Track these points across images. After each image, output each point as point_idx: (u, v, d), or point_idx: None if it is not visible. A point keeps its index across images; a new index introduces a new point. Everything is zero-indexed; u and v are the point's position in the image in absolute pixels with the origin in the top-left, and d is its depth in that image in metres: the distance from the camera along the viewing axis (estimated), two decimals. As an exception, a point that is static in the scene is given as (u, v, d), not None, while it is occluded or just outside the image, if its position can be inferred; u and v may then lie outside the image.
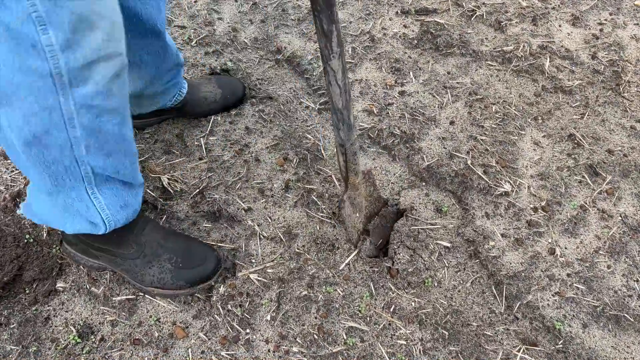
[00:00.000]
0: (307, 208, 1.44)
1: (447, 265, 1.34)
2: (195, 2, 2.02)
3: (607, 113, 1.68)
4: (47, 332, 1.23)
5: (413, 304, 1.27)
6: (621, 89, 1.74)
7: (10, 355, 1.19)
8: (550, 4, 2.03)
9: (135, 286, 1.28)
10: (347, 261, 1.33)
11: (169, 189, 1.46)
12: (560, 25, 1.95)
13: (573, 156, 1.57)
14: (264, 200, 1.46)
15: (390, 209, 1.44)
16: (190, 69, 1.78)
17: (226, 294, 1.28)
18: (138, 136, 1.60)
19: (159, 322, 1.24)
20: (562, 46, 1.87)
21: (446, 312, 1.26)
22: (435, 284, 1.30)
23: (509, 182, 1.50)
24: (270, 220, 1.42)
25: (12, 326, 1.23)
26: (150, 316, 1.25)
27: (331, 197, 1.47)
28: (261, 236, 1.39)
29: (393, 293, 1.29)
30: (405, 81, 1.76)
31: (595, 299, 1.29)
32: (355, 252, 1.34)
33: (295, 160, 1.54)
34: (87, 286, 1.29)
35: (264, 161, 1.55)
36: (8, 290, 1.28)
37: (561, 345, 1.21)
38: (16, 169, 1.49)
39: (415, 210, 1.44)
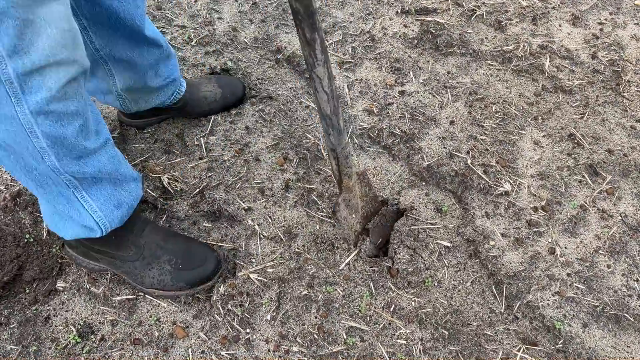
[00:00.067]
0: (307, 208, 1.44)
1: (447, 265, 1.34)
2: (195, 1, 2.02)
3: (607, 113, 1.68)
4: (47, 332, 1.23)
5: (413, 303, 1.27)
6: (621, 88, 1.74)
7: (11, 355, 1.19)
8: (550, 4, 2.03)
9: (136, 287, 1.28)
10: (347, 261, 1.33)
11: (169, 188, 1.46)
12: (560, 25, 1.95)
13: (573, 156, 1.57)
14: (264, 199, 1.46)
15: (390, 208, 1.45)
16: (190, 69, 1.78)
17: (226, 293, 1.28)
18: (138, 136, 1.60)
19: (159, 321, 1.24)
20: (562, 46, 1.87)
21: (446, 312, 1.26)
22: (436, 284, 1.30)
23: (509, 181, 1.50)
24: (270, 220, 1.42)
25: (12, 326, 1.23)
26: (151, 316, 1.25)
27: (331, 196, 1.47)
28: (261, 236, 1.39)
29: (393, 293, 1.29)
30: (405, 81, 1.76)
31: (595, 298, 1.29)
32: (355, 251, 1.34)
33: (295, 160, 1.54)
34: (87, 286, 1.29)
35: (264, 161, 1.55)
36: (8, 290, 1.28)
37: (561, 345, 1.21)
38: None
39: (416, 210, 1.44)
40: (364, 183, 1.34)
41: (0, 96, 0.82)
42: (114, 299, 1.27)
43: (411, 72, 1.79)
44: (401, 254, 1.33)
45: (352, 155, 1.21)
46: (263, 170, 1.52)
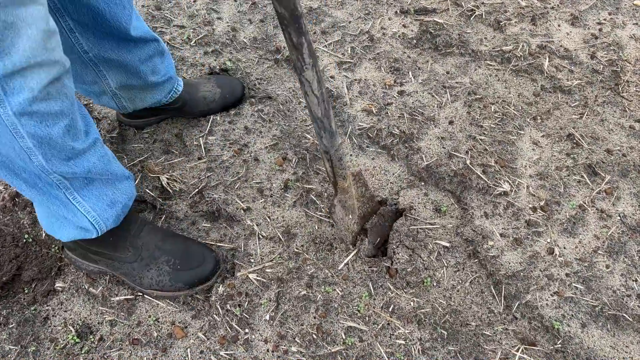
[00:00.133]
0: (306, 208, 1.44)
1: (446, 265, 1.34)
2: (194, 1, 2.02)
3: (606, 113, 1.68)
4: (46, 332, 1.23)
5: (412, 303, 1.27)
6: (620, 88, 1.74)
7: (9, 355, 1.19)
8: (550, 4, 2.03)
9: (135, 288, 1.28)
10: (346, 261, 1.33)
11: (168, 188, 1.46)
12: (559, 25, 1.95)
13: (572, 156, 1.57)
14: (263, 200, 1.46)
15: (389, 208, 1.45)
16: (189, 69, 1.78)
17: (225, 293, 1.28)
18: (137, 136, 1.60)
19: (158, 322, 1.24)
20: (561, 46, 1.87)
21: (445, 312, 1.26)
22: (434, 284, 1.30)
23: (507, 181, 1.50)
24: (269, 220, 1.42)
25: (11, 326, 1.23)
26: (149, 316, 1.25)
27: (330, 196, 1.47)
28: (260, 236, 1.39)
29: (392, 293, 1.29)
30: (404, 81, 1.76)
31: (594, 298, 1.29)
32: (354, 251, 1.34)
33: (294, 160, 1.54)
34: (86, 286, 1.29)
35: (263, 161, 1.55)
36: (7, 290, 1.28)
37: (560, 345, 1.21)
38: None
39: (415, 209, 1.44)
40: (359, 183, 1.34)
41: None
42: (112, 299, 1.27)
43: (410, 72, 1.79)
44: (400, 254, 1.33)
45: (345, 156, 1.21)
46: (262, 171, 1.52)
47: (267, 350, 1.20)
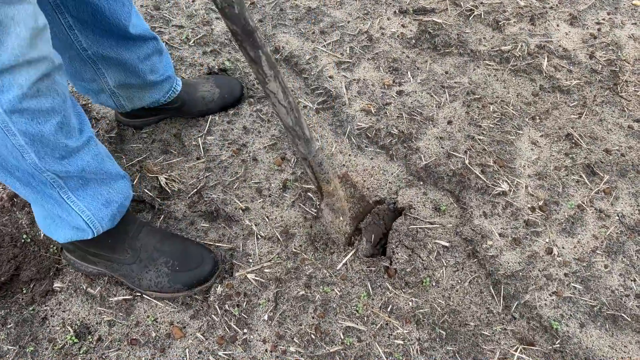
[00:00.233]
0: (305, 208, 1.44)
1: (445, 264, 1.34)
2: (193, 1, 2.02)
3: (604, 112, 1.68)
4: (45, 332, 1.22)
5: (410, 303, 1.27)
6: (619, 88, 1.74)
7: (8, 356, 1.19)
8: (548, 4, 2.03)
9: (134, 290, 1.28)
10: (344, 261, 1.33)
11: (167, 188, 1.46)
12: (558, 25, 1.95)
13: (571, 156, 1.57)
14: (261, 199, 1.46)
15: (387, 207, 1.45)
16: (188, 69, 1.78)
17: (223, 294, 1.28)
18: (136, 136, 1.60)
19: (156, 322, 1.24)
20: (560, 46, 1.87)
21: (443, 312, 1.26)
22: (433, 284, 1.30)
23: (506, 181, 1.50)
24: (267, 220, 1.42)
25: (9, 326, 1.23)
26: (148, 316, 1.25)
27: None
28: (258, 236, 1.39)
29: (390, 293, 1.29)
30: (403, 81, 1.76)
31: (593, 298, 1.29)
32: (352, 251, 1.34)
33: (292, 160, 1.54)
34: (84, 286, 1.29)
35: (262, 161, 1.54)
36: (5, 290, 1.28)
37: (558, 345, 1.21)
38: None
39: (414, 209, 1.44)
40: (347, 185, 1.35)
41: None
42: (111, 299, 1.27)
43: (409, 72, 1.79)
44: (399, 253, 1.33)
45: (325, 161, 1.22)
46: (261, 171, 1.52)
47: (266, 351, 1.20)
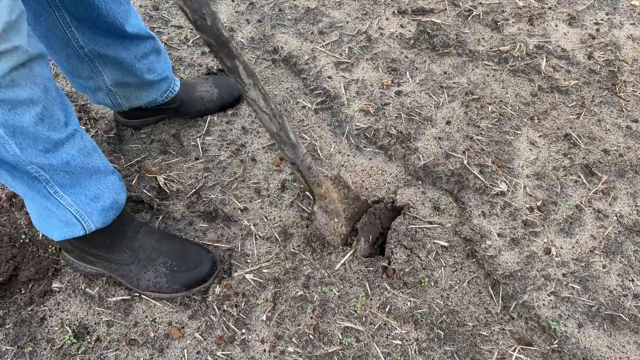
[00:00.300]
0: (303, 208, 1.44)
1: (444, 264, 1.34)
2: (192, 1, 2.02)
3: (603, 113, 1.68)
4: (43, 333, 1.23)
5: (409, 303, 1.27)
6: (617, 88, 1.75)
7: (6, 356, 1.19)
8: (547, 4, 2.03)
9: (132, 290, 1.28)
10: (342, 261, 1.33)
11: (165, 189, 1.46)
12: (556, 25, 1.95)
13: (569, 156, 1.57)
14: (260, 200, 1.46)
15: (385, 206, 1.45)
16: (186, 69, 1.78)
17: (222, 294, 1.28)
18: (134, 136, 1.60)
19: (155, 322, 1.24)
20: (558, 46, 1.87)
21: (442, 312, 1.26)
22: (432, 284, 1.30)
23: (505, 182, 1.50)
24: (266, 220, 1.42)
25: (7, 326, 1.23)
26: (146, 316, 1.25)
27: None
28: (257, 236, 1.39)
29: (389, 293, 1.29)
30: (401, 81, 1.76)
31: (591, 298, 1.29)
32: (351, 252, 1.34)
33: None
34: (83, 287, 1.29)
35: (260, 161, 1.55)
36: (4, 291, 1.28)
37: (556, 345, 1.21)
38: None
39: (413, 208, 1.44)
40: (340, 186, 1.35)
41: None
42: (109, 299, 1.27)
43: (408, 73, 1.79)
44: (398, 253, 1.33)
45: (314, 164, 1.22)
46: (259, 171, 1.52)
47: (264, 351, 1.20)
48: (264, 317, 1.25)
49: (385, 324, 1.24)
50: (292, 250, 1.36)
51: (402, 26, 1.94)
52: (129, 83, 1.37)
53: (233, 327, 1.23)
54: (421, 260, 1.34)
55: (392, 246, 1.35)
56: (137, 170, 1.50)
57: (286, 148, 1.13)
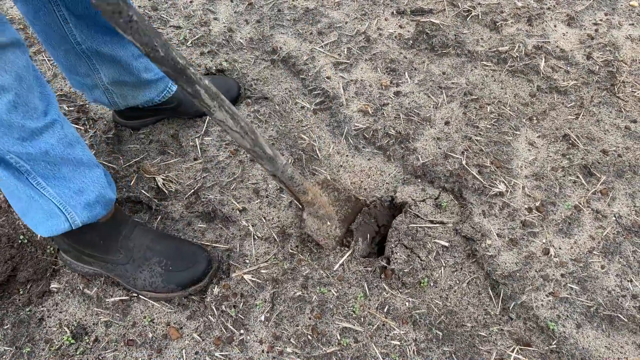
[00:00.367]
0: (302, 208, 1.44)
1: (444, 264, 1.34)
2: (190, 2, 2.02)
3: (601, 113, 1.69)
4: (41, 333, 1.22)
5: (407, 304, 1.27)
6: (616, 89, 1.75)
7: (4, 356, 1.19)
8: (546, 4, 2.03)
9: (130, 290, 1.28)
10: (341, 261, 1.33)
11: (164, 189, 1.46)
12: (555, 26, 1.95)
13: (568, 156, 1.57)
14: (258, 200, 1.46)
15: (381, 203, 1.45)
16: (185, 70, 1.78)
17: (220, 294, 1.28)
18: (133, 136, 1.60)
19: (153, 322, 1.24)
20: (557, 46, 1.87)
21: (441, 313, 1.26)
22: (431, 284, 1.30)
23: (503, 182, 1.50)
24: (264, 221, 1.42)
25: (5, 327, 1.23)
26: (145, 317, 1.25)
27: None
28: (255, 236, 1.39)
29: (387, 293, 1.29)
30: (400, 81, 1.76)
31: (589, 299, 1.29)
32: (349, 252, 1.34)
33: (290, 161, 1.54)
34: (81, 287, 1.29)
35: (259, 161, 1.54)
36: (2, 291, 1.28)
37: (555, 346, 1.21)
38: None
39: (413, 206, 1.44)
40: (329, 189, 1.35)
41: None
42: (107, 300, 1.27)
43: (406, 73, 1.79)
44: (398, 253, 1.33)
45: (296, 173, 1.22)
46: (258, 171, 1.52)
47: (262, 351, 1.20)
48: (263, 318, 1.25)
49: (383, 325, 1.24)
50: (291, 250, 1.36)
51: (401, 26, 1.94)
52: (125, 81, 1.37)
53: (231, 327, 1.23)
54: (421, 260, 1.33)
55: (393, 245, 1.34)
56: (136, 171, 1.50)
57: (264, 162, 1.13)
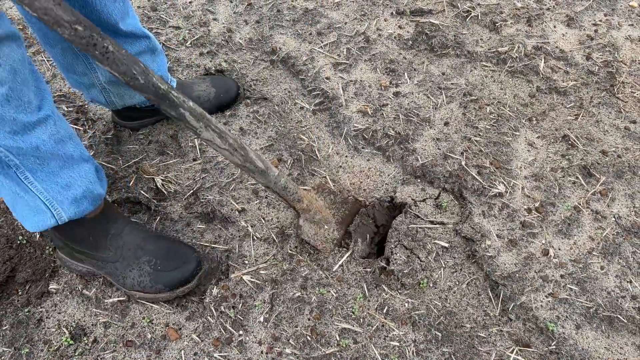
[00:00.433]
0: (301, 209, 1.44)
1: (444, 265, 1.34)
2: (190, 2, 2.02)
3: (601, 114, 1.68)
4: (40, 334, 1.22)
5: (406, 305, 1.27)
6: (615, 89, 1.75)
7: (3, 357, 1.19)
8: (545, 5, 2.03)
9: (121, 290, 1.27)
10: (340, 262, 1.33)
11: (163, 190, 1.46)
12: (555, 26, 1.95)
13: (567, 157, 1.57)
14: (257, 201, 1.46)
15: (380, 203, 1.44)
16: (184, 70, 1.78)
17: (219, 295, 1.27)
18: (132, 137, 1.59)
19: (152, 323, 1.24)
20: (556, 47, 1.87)
21: (440, 314, 1.26)
22: (431, 285, 1.30)
23: (503, 183, 1.50)
24: (263, 221, 1.42)
25: (4, 328, 1.23)
26: (143, 318, 1.25)
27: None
28: (254, 237, 1.38)
29: (386, 294, 1.29)
30: (400, 82, 1.76)
31: (589, 300, 1.29)
32: (349, 253, 1.34)
33: (289, 161, 1.54)
34: (80, 288, 1.29)
35: (258, 162, 1.54)
36: (0, 292, 1.28)
37: (554, 347, 1.21)
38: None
39: (413, 206, 1.43)
40: (325, 193, 1.35)
41: None
42: (106, 301, 1.27)
43: (406, 74, 1.79)
44: (398, 254, 1.33)
45: (290, 184, 1.22)
46: (257, 172, 1.52)
47: (261, 352, 1.20)
48: (262, 319, 1.24)
49: (383, 325, 1.24)
50: (290, 251, 1.36)
51: (400, 27, 1.94)
52: (120, 83, 1.37)
53: (230, 328, 1.23)
54: (421, 261, 1.33)
55: (393, 246, 1.34)
56: (135, 171, 1.50)
57: (256, 176, 1.14)
